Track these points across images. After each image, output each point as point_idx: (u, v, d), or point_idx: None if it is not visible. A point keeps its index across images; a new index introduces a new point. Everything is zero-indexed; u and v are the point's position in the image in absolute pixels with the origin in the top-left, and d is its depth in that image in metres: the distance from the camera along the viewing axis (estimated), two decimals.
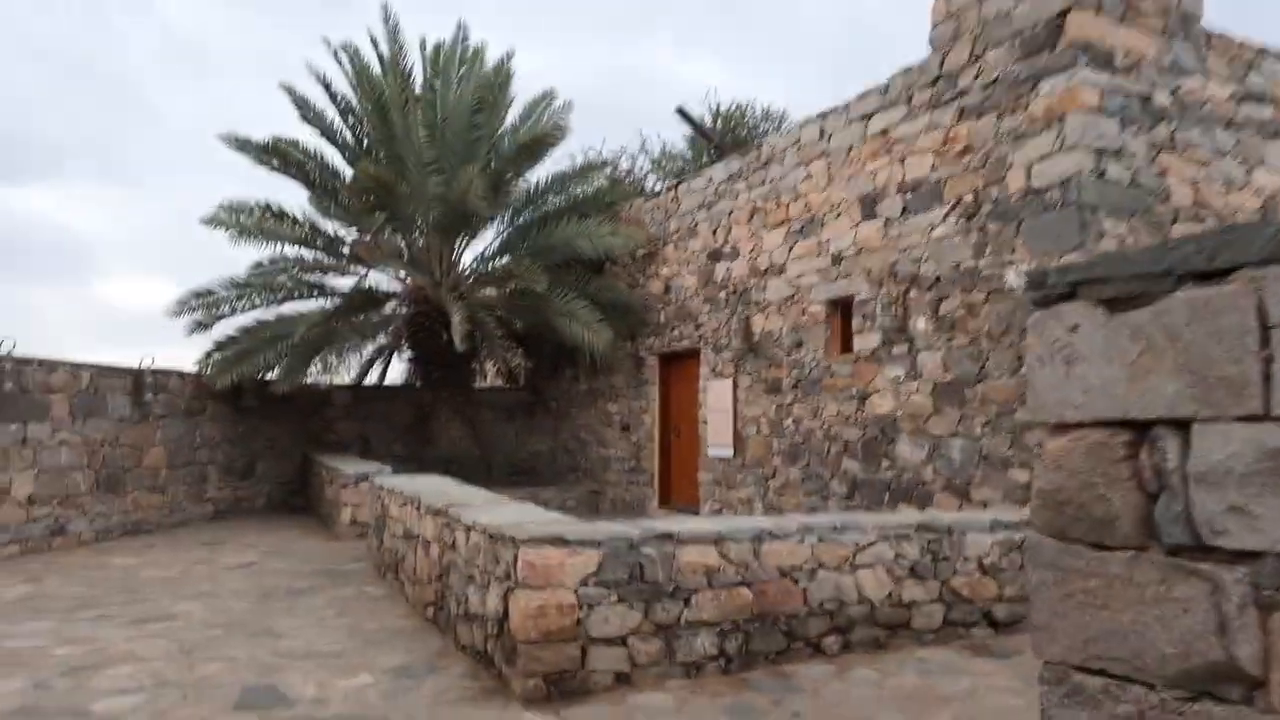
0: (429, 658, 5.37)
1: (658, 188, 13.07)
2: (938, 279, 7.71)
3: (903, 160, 8.13)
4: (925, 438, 7.75)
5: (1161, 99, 6.89)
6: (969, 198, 7.40)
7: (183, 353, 33.23)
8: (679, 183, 11.94)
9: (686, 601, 4.91)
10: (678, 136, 25.11)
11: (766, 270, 10.01)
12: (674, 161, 19.93)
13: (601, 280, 12.98)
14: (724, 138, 19.44)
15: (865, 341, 8.51)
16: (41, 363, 9.51)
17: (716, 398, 10.78)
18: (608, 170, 14.28)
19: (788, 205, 9.70)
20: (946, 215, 7.63)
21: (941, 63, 7.72)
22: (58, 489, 9.59)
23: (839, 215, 8.93)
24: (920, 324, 7.88)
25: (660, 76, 43.69)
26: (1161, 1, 7.00)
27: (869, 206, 8.53)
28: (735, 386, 10.47)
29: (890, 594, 5.51)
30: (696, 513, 11.10)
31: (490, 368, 16.91)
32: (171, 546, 9.88)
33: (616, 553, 4.77)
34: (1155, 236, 6.73)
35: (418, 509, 6.77)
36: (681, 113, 11.89)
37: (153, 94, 51.46)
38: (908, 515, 6.16)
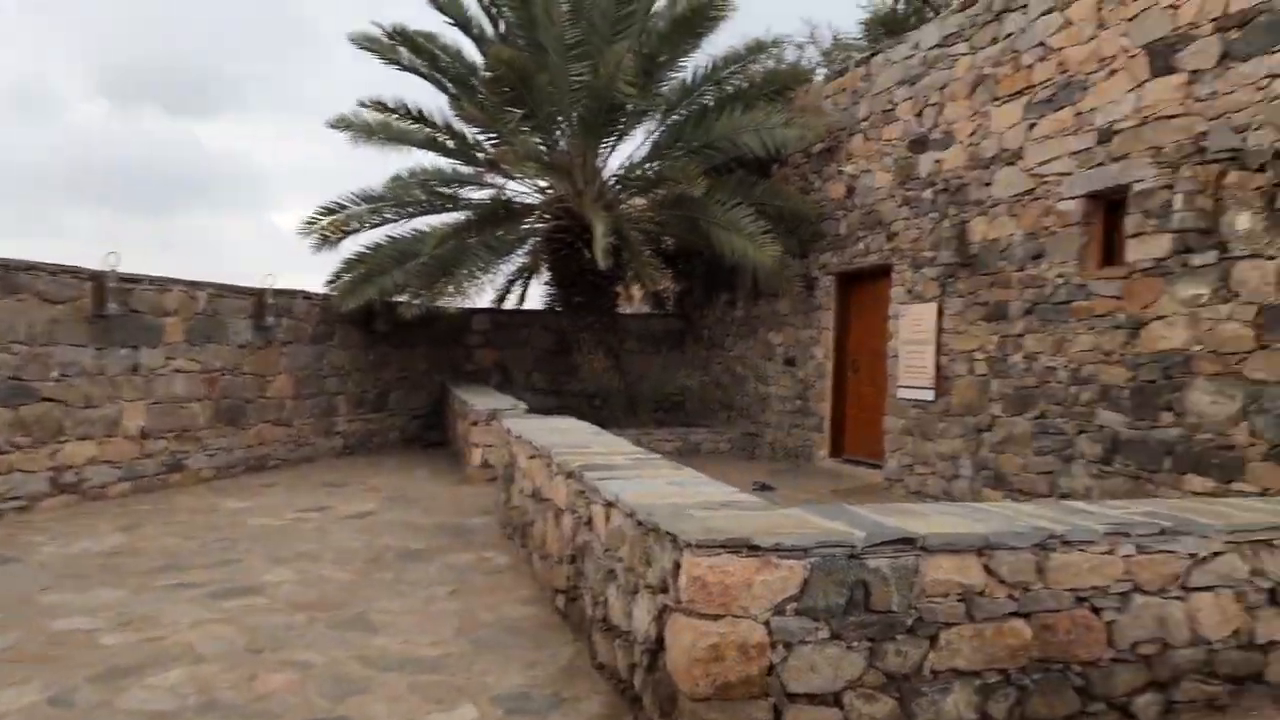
0: (555, 679, 3.86)
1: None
2: (1277, 154, 5.30)
3: None
4: (1238, 384, 5.47)
5: None
6: None
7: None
8: (872, 54, 9.65)
9: (933, 640, 3.14)
10: (852, 23, 22.11)
11: (993, 159, 7.72)
12: (847, 52, 17.34)
13: (768, 185, 10.96)
14: (908, 19, 16.65)
15: (1145, 249, 6.19)
16: (153, 281, 8.62)
17: (913, 326, 8.68)
18: (777, 51, 12.07)
19: (1031, 68, 7.33)
20: None
21: None
22: (173, 421, 8.77)
23: (1112, 74, 6.53)
24: (1242, 220, 5.50)
25: None
26: None
27: (1163, 57, 6.10)
28: (940, 312, 8.33)
29: (1238, 630, 3.51)
30: (879, 467, 9.18)
31: (637, 292, 15.31)
32: (291, 487, 8.94)
33: (830, 566, 3.02)
34: None
35: (549, 465, 5.25)
36: None
37: (325, 29, 52.52)
38: (1264, 506, 4.05)
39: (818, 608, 2.98)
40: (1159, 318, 6.07)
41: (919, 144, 8.71)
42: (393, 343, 12.26)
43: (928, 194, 8.57)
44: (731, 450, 11.83)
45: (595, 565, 4.05)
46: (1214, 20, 5.74)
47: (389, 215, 11.82)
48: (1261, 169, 5.39)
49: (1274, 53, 5.32)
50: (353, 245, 11.93)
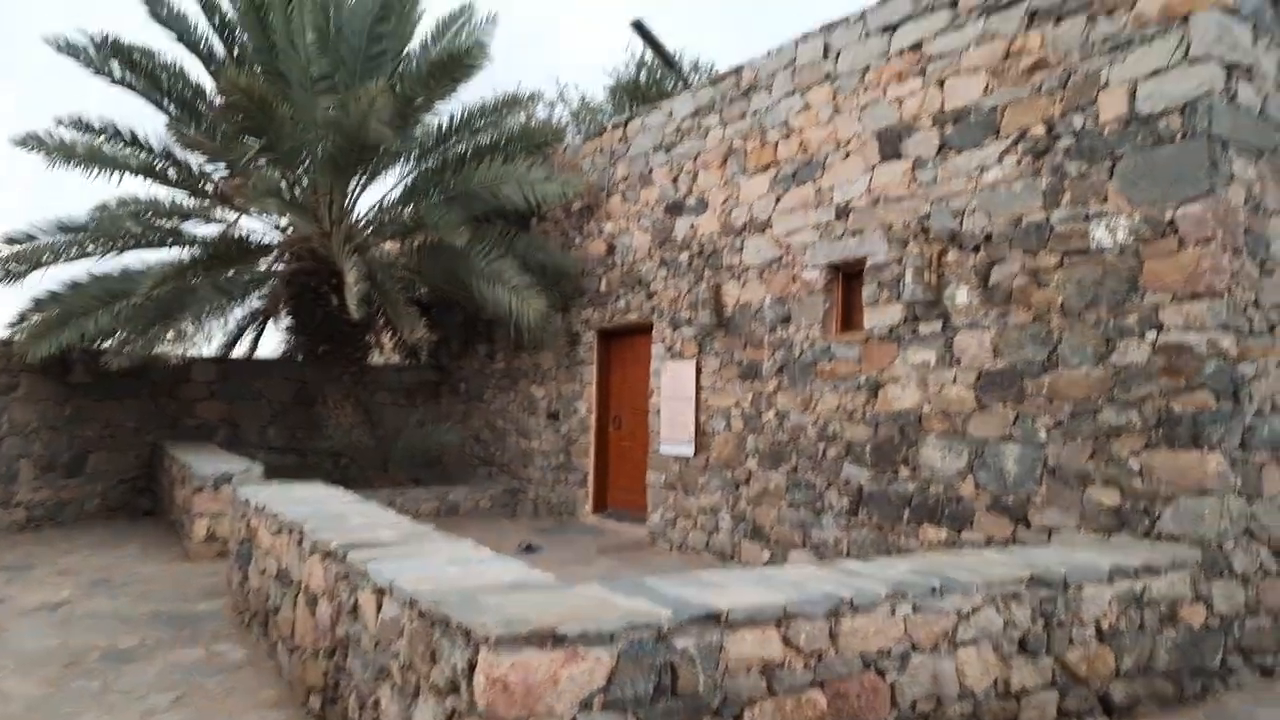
0: None
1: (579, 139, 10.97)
2: (988, 237, 6.04)
3: (941, 83, 6.41)
4: (964, 441, 6.11)
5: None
6: (1038, 130, 5.74)
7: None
8: (629, 119, 9.94)
9: None
10: (599, 89, 22.96)
11: (745, 227, 8.17)
12: (595, 114, 17.88)
13: (528, 238, 10.88)
14: (649, 89, 17.53)
15: (880, 317, 6.79)
16: None
17: (674, 383, 8.92)
18: (532, 107, 12.12)
19: (776, 144, 7.87)
20: (1004, 154, 5.95)
21: None
22: None
23: (847, 156, 7.16)
24: (961, 295, 6.20)
25: (565, 33, 40.99)
26: None
27: (891, 144, 6.79)
28: (699, 370, 8.63)
29: (996, 681, 3.82)
30: (643, 521, 9.27)
31: (388, 340, 14.56)
32: None
33: (637, 652, 2.87)
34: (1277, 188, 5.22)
35: (300, 543, 4.66)
36: (639, 28, 9.85)
37: (21, 31, 45.44)
38: (1005, 559, 4.47)
39: (625, 698, 2.81)
40: (894, 380, 6.65)
41: (675, 208, 9.05)
42: (95, 396, 10.61)
43: (684, 257, 8.90)
44: (493, 508, 11.43)
45: (364, 662, 3.59)
46: (932, 115, 6.48)
47: (93, 249, 10.28)
48: (976, 249, 6.11)
49: (983, 147, 6.09)
50: (47, 281, 10.24)
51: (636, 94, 17.54)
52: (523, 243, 10.63)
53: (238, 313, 11.41)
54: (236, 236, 10.38)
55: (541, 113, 16.36)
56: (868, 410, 6.85)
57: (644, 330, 9.53)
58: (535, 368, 11.39)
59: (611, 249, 10.03)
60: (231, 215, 10.59)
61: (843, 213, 7.17)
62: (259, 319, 12.21)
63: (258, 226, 10.80)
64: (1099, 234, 5.37)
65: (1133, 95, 5.22)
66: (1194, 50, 4.94)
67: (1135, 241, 5.18)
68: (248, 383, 12.49)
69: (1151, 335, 5.06)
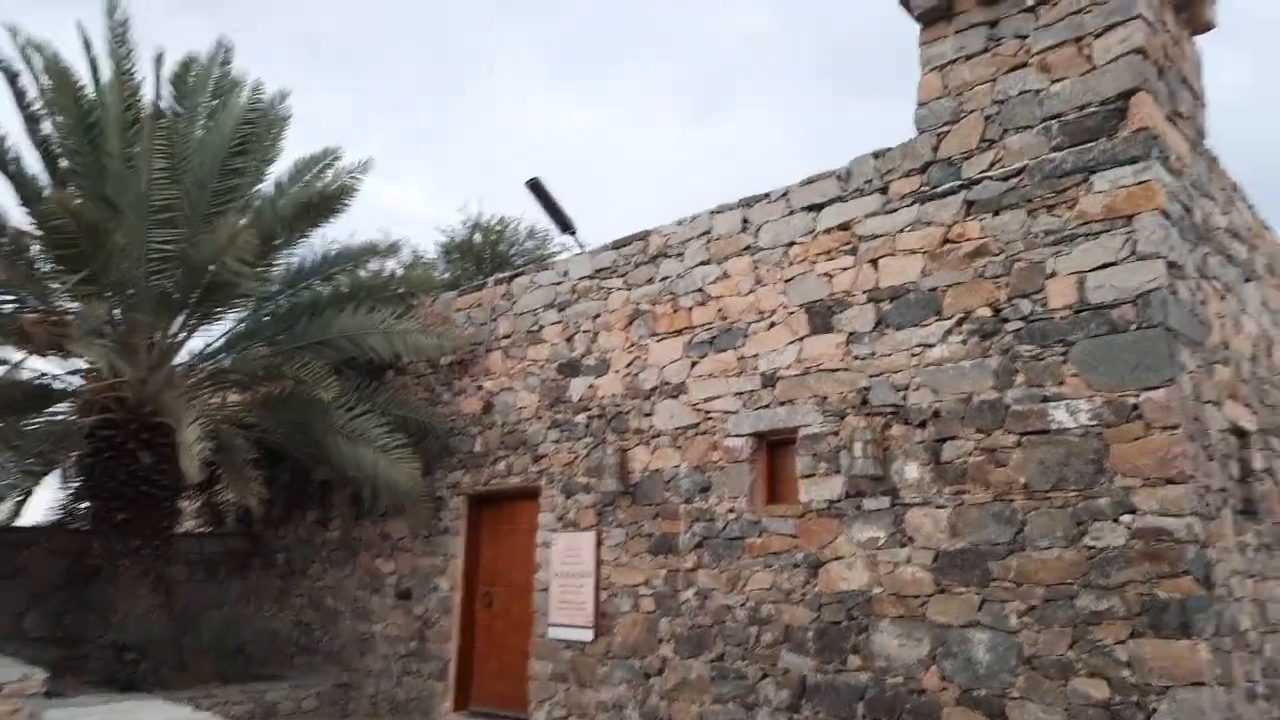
0: None
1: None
2: (936, 413, 5.97)
3: (875, 262, 6.48)
4: (923, 626, 5.78)
5: (1197, 215, 5.94)
6: (984, 312, 5.85)
7: None
8: (514, 275, 9.43)
9: None
10: (430, 245, 22.40)
11: (654, 390, 7.75)
12: (428, 269, 17.25)
13: (388, 392, 9.85)
14: (484, 251, 17.27)
15: (819, 490, 6.49)
16: None
17: (567, 556, 8.07)
18: (397, 256, 11.35)
19: (691, 310, 7.63)
20: (949, 333, 5.99)
21: (936, 146, 6.29)
22: None
23: (773, 326, 7.02)
24: (911, 470, 6.03)
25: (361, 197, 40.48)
26: (1191, 104, 6.19)
27: (822, 317, 6.72)
28: (600, 542, 7.87)
29: None
30: (522, 719, 8.10)
31: (188, 505, 12.51)
32: None
33: None
34: (1208, 379, 5.57)
35: None
36: (535, 187, 9.47)
37: None
38: None
39: None
40: (838, 558, 6.29)
41: (571, 368, 8.51)
42: None
43: (581, 418, 8.30)
44: (320, 708, 9.64)
45: None
46: (866, 291, 6.51)
47: None
48: (924, 425, 6.02)
49: (925, 325, 6.13)
50: None
51: (469, 251, 17.23)
52: (383, 397, 9.59)
53: (11, 470, 9.30)
54: (28, 380, 8.57)
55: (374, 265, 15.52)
56: (808, 591, 6.40)
57: (528, 496, 8.68)
58: (383, 538, 10.05)
59: (489, 407, 9.23)
60: (17, 355, 8.80)
61: (769, 381, 6.94)
62: (34, 478, 10.04)
63: (50, 369, 9.00)
64: (1060, 415, 5.42)
65: (1082, 285, 5.45)
66: (1141, 247, 5.25)
67: (1099, 424, 5.25)
68: (6, 557, 10.10)
69: (1127, 518, 5.06)
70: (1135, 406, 5.14)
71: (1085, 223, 5.50)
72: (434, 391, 9.93)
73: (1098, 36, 5.69)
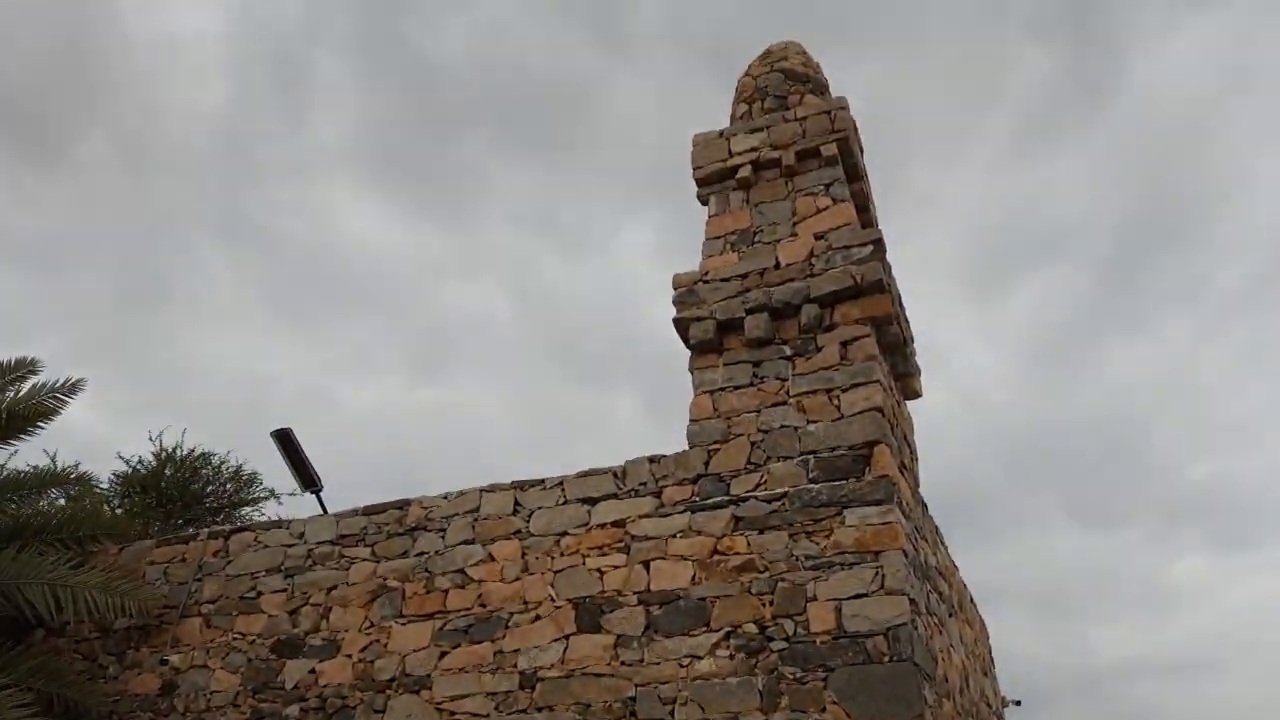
0: None
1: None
2: None
3: (647, 564, 6.58)
4: None
5: (921, 556, 6.78)
6: (751, 628, 6.06)
7: None
8: (234, 530, 8.34)
9: None
10: (105, 474, 19.34)
11: (392, 682, 6.93)
12: (97, 502, 14.67)
13: (32, 659, 7.87)
14: (170, 490, 15.17)
15: None
16: None
17: None
18: (77, 490, 9.61)
19: (446, 592, 7.14)
20: (716, 646, 6.10)
21: (707, 461, 6.76)
22: None
23: (537, 619, 6.73)
24: None
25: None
26: (909, 457, 7.25)
27: (591, 615, 6.57)
28: None
29: None
30: None
31: None
32: None
33: None
34: (940, 712, 6.09)
35: None
36: (282, 439, 8.53)
37: None
38: None
39: None
40: None
41: (290, 647, 7.44)
42: None
43: (294, 711, 7.14)
44: None
45: None
46: (638, 593, 6.53)
47: None
48: None
49: (694, 635, 6.20)
50: None
51: (150, 481, 15.02)
52: (26, 665, 7.65)
53: None
54: None
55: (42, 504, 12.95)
56: None
57: None
58: None
59: (171, 688, 7.68)
60: None
61: (529, 682, 6.51)
62: None
63: None
64: None
65: (839, 612, 5.88)
66: (889, 583, 5.85)
67: None
68: None
69: None
70: None
71: (841, 552, 6.07)
72: (97, 661, 8.13)
73: (845, 391, 6.65)
